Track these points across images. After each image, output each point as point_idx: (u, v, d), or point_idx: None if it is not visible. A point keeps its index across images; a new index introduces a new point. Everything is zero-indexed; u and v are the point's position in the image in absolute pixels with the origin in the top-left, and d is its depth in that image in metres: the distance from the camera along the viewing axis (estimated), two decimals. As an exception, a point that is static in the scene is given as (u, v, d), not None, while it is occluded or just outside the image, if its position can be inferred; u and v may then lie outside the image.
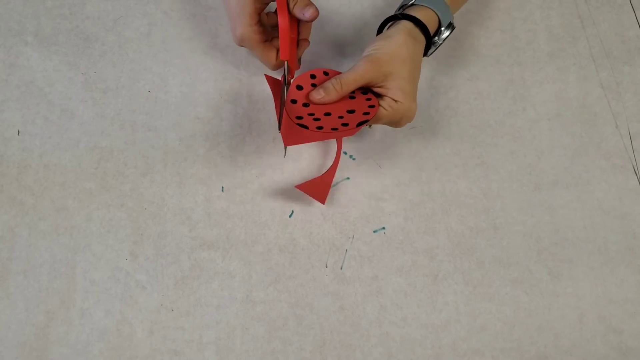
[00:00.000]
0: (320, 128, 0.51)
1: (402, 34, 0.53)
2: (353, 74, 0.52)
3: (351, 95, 0.54)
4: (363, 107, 0.52)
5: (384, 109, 0.52)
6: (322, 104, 0.53)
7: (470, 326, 0.54)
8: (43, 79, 0.61)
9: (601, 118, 0.62)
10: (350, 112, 0.52)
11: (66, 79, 0.61)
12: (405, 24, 0.54)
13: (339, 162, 0.58)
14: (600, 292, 0.56)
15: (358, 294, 0.55)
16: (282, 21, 0.54)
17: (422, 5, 0.55)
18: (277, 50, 0.58)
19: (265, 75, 0.56)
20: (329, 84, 0.52)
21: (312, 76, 0.54)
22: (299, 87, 0.54)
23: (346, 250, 0.57)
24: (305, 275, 0.56)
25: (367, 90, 0.54)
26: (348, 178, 0.59)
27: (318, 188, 0.56)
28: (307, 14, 0.54)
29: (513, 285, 0.56)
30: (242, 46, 0.58)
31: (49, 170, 0.58)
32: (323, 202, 0.56)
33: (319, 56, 0.64)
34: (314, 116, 0.52)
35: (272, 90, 0.55)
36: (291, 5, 0.54)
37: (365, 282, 0.56)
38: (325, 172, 0.57)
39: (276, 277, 0.55)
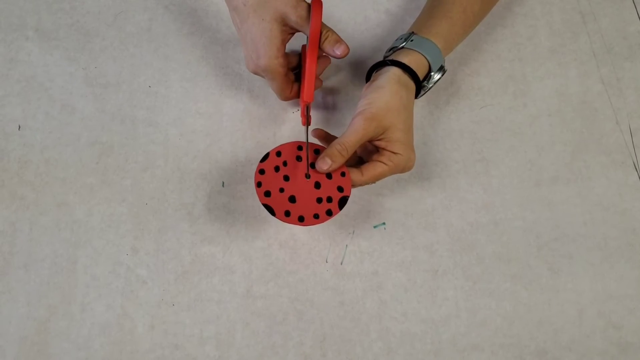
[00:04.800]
0: (287, 214, 0.49)
1: (393, 83, 0.51)
2: (354, 135, 0.49)
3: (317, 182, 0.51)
4: (327, 199, 0.50)
5: (384, 163, 0.51)
6: (330, 171, 0.50)
7: (470, 321, 0.55)
8: (44, 74, 0.61)
9: (602, 114, 0.62)
10: (318, 200, 0.50)
11: (67, 73, 0.61)
12: (394, 72, 0.52)
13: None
14: (600, 287, 0.56)
15: (358, 289, 0.55)
16: (311, 62, 0.51)
17: (412, 49, 0.53)
18: (293, 83, 0.56)
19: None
20: (334, 150, 0.49)
21: (299, 147, 0.52)
22: (279, 154, 0.51)
23: (346, 245, 0.57)
24: (305, 270, 0.56)
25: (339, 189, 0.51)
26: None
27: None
28: (337, 51, 0.52)
29: (513, 280, 0.56)
30: (258, 74, 0.55)
31: (50, 165, 0.58)
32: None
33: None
34: (284, 187, 0.50)
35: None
36: (321, 40, 0.52)
37: (366, 278, 0.56)
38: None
39: (276, 272, 0.55)
